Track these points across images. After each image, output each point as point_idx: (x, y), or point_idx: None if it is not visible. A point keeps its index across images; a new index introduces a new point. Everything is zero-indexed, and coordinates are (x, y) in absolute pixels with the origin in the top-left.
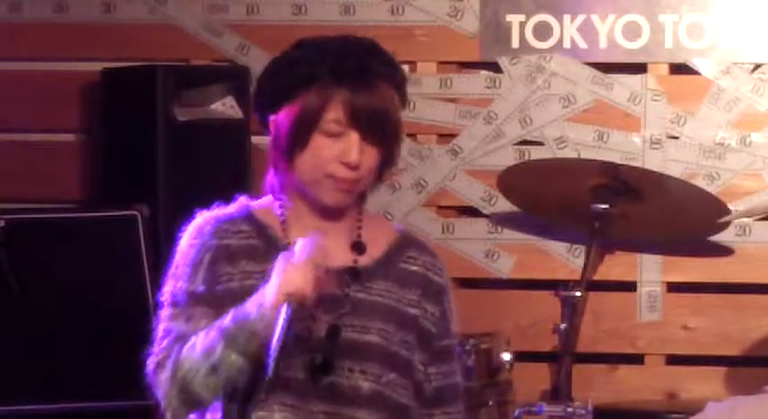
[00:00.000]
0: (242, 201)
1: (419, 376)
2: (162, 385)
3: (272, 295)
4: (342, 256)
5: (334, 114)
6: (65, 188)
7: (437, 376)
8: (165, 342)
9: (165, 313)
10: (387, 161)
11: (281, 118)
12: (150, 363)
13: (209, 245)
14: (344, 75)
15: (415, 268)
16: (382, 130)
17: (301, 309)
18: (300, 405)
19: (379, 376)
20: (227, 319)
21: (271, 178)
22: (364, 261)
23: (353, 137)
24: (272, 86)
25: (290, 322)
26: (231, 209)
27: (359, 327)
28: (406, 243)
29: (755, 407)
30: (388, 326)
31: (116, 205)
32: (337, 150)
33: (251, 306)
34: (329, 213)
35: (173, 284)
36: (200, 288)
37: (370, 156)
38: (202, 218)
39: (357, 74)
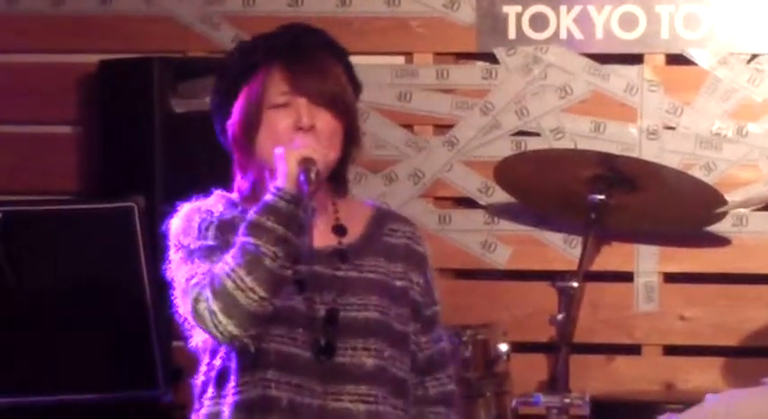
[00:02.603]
0: (219, 193)
1: (412, 347)
2: (207, 316)
3: (284, 172)
4: (326, 240)
5: (276, 87)
6: (62, 180)
7: (428, 344)
8: (194, 281)
9: (180, 271)
10: (349, 135)
11: (234, 112)
12: (185, 306)
13: (210, 219)
14: (278, 51)
15: (397, 240)
16: (329, 91)
17: (314, 175)
18: (305, 384)
19: (382, 351)
20: (249, 215)
21: (239, 182)
22: (348, 240)
23: (301, 101)
24: (221, 91)
25: (308, 183)
26: (211, 199)
27: (357, 305)
28: (383, 216)
29: (752, 400)
30: (384, 301)
31: (113, 197)
32: (290, 119)
33: (267, 195)
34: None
35: (180, 247)
36: (212, 243)
37: (325, 120)
38: (189, 205)
39: (290, 47)
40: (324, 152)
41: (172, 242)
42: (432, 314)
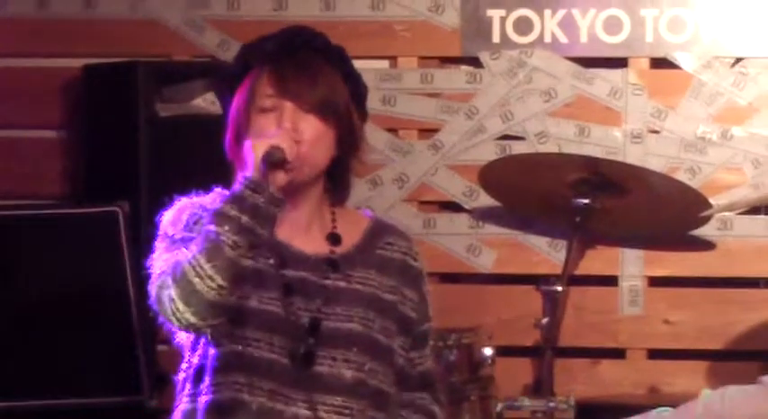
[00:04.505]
0: (218, 191)
1: (401, 361)
2: (167, 303)
3: (251, 162)
4: (319, 248)
5: (263, 90)
6: (46, 184)
7: (420, 360)
8: (163, 268)
9: (158, 260)
10: (344, 141)
11: (228, 115)
12: (152, 291)
13: (200, 214)
14: (268, 54)
15: (393, 254)
16: (317, 96)
17: (280, 161)
18: (280, 390)
19: (362, 364)
20: (216, 206)
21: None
22: (341, 250)
23: (286, 105)
24: (220, 95)
25: (271, 168)
26: (210, 197)
27: (341, 316)
28: (380, 229)
29: (749, 398)
30: (369, 314)
31: (97, 201)
32: (276, 123)
33: (234, 186)
34: (295, 197)
35: (165, 237)
36: (196, 235)
37: (311, 125)
38: (186, 199)
39: (280, 50)
40: (291, 143)
41: (160, 232)
42: (424, 330)
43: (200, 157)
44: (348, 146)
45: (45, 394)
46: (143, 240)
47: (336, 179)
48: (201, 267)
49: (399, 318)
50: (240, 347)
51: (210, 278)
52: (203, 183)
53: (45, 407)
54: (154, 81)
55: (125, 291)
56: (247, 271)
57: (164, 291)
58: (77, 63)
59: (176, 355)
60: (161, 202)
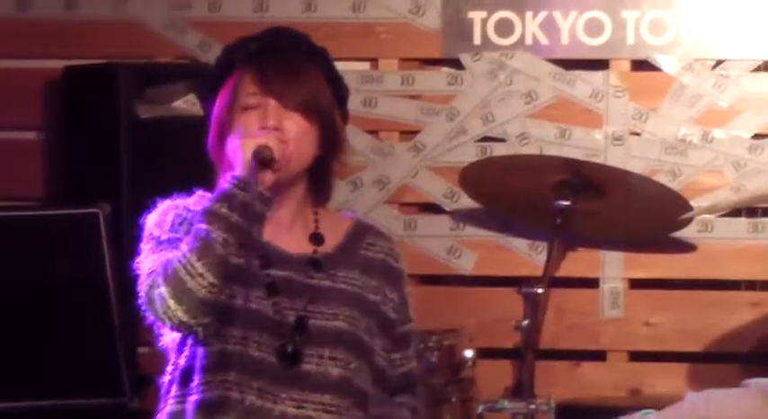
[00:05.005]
0: (200, 193)
1: (381, 362)
2: (158, 302)
3: (240, 161)
4: (302, 248)
5: (247, 89)
6: (26, 186)
7: (402, 361)
8: (152, 268)
9: (145, 262)
10: (326, 140)
11: (212, 114)
12: (142, 292)
13: (184, 215)
14: (252, 53)
15: (375, 255)
16: (300, 94)
17: (268, 160)
18: (268, 389)
19: (348, 362)
20: (205, 205)
21: (220, 184)
22: (324, 250)
23: (270, 103)
24: (203, 95)
25: (261, 167)
26: (192, 199)
27: (327, 314)
28: (362, 230)
29: (735, 401)
30: (354, 313)
31: (78, 203)
32: (259, 120)
33: (222, 183)
34: (278, 197)
35: (151, 239)
36: (182, 236)
37: (295, 123)
38: (169, 202)
39: (264, 49)
40: (278, 143)
41: (145, 234)
42: (405, 331)
43: (181, 159)
44: (331, 146)
45: (26, 396)
46: (124, 242)
47: (318, 180)
48: (192, 265)
49: (381, 319)
50: (228, 346)
51: (201, 276)
52: (184, 185)
53: (26, 409)
54: (135, 82)
55: (106, 293)
56: (237, 269)
57: (154, 291)
58: (58, 64)
59: (157, 357)
60: (142, 204)
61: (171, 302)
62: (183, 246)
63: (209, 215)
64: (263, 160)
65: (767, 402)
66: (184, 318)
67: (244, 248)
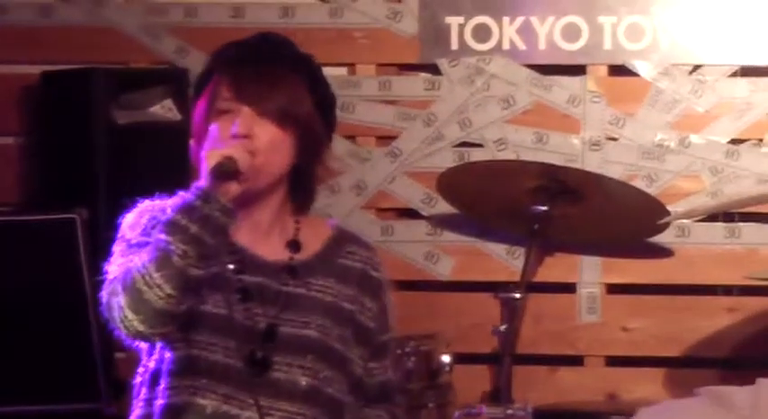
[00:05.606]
0: (182, 195)
1: (358, 371)
2: (116, 310)
3: (204, 172)
4: (278, 255)
5: (222, 94)
6: (3, 191)
7: (378, 370)
8: (115, 274)
9: (113, 264)
10: (305, 149)
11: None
12: (104, 297)
13: (159, 218)
14: (230, 60)
15: (353, 264)
16: (274, 101)
17: (232, 172)
18: (235, 395)
19: (317, 371)
20: (166, 214)
21: None
22: (301, 257)
23: (243, 109)
24: (191, 108)
25: (222, 180)
26: (171, 200)
27: (298, 322)
28: (342, 238)
29: (687, 411)
30: (326, 322)
31: (55, 208)
32: (230, 126)
33: (185, 194)
34: (254, 204)
35: (122, 240)
36: (152, 240)
37: (267, 131)
38: (148, 202)
39: (242, 56)
40: (245, 153)
41: (119, 235)
42: (384, 341)
43: (158, 164)
44: (310, 154)
45: (3, 402)
46: (101, 248)
47: (298, 187)
48: (151, 276)
49: (357, 328)
50: (195, 351)
51: (159, 287)
52: (161, 191)
53: (3, 415)
54: (111, 88)
55: (83, 299)
56: (200, 279)
57: (113, 299)
58: (35, 69)
59: (135, 362)
60: (119, 209)
61: (128, 312)
62: (144, 256)
63: (169, 226)
64: (226, 172)
65: (717, 410)
66: (141, 328)
67: (206, 259)
